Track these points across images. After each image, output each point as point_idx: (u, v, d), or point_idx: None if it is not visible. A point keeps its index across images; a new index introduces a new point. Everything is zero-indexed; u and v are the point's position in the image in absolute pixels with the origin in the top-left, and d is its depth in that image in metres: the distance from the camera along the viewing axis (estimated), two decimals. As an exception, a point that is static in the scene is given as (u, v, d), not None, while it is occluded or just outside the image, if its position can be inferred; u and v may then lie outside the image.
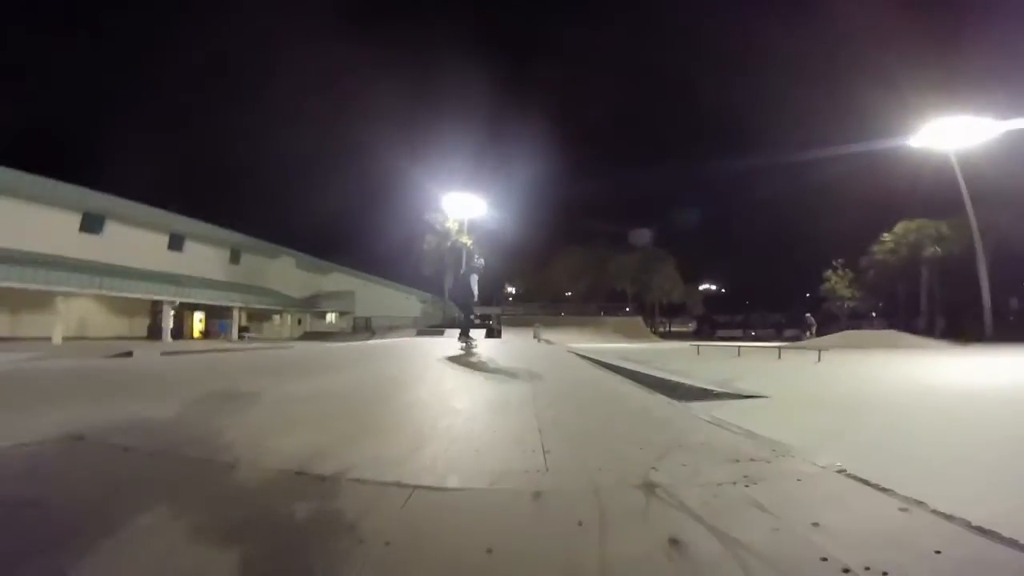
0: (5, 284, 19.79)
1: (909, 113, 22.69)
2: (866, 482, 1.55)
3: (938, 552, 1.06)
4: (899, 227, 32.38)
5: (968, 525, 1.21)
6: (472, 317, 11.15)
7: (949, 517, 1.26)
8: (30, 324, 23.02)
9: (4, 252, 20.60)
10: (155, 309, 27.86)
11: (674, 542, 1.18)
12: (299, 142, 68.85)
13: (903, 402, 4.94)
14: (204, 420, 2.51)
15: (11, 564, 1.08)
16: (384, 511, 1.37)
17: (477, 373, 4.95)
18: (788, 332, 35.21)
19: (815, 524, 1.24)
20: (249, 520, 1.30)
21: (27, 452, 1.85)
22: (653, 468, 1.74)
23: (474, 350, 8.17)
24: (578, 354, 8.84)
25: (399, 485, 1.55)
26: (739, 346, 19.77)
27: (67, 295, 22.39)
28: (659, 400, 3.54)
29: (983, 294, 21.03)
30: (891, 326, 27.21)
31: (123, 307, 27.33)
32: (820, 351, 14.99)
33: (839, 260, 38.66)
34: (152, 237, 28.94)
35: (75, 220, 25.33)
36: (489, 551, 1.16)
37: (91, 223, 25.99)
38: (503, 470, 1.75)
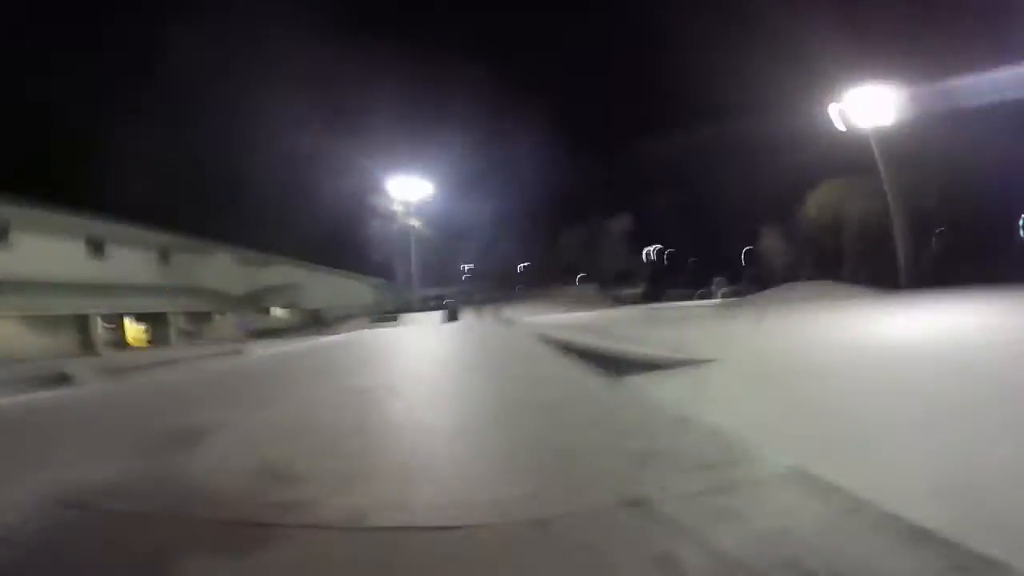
0: None
1: (831, 80, 24.55)
2: (827, 483, 1.78)
3: (882, 553, 1.32)
4: (823, 187, 35.31)
5: (911, 526, 1.43)
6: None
7: (896, 517, 1.49)
8: None
9: None
10: (82, 322, 25.63)
11: (660, 560, 1.40)
12: (227, 125, 63.58)
13: (840, 364, 5.42)
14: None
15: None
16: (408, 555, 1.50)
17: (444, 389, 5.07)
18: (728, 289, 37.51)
19: (783, 531, 1.49)
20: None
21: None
22: (635, 480, 1.98)
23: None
24: (542, 338, 9.12)
25: (412, 528, 1.69)
26: (687, 305, 21.16)
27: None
28: (631, 399, 3.83)
29: (898, 248, 23.50)
30: (822, 278, 29.81)
31: (48, 324, 24.95)
32: (762, 308, 16.28)
33: (771, 226, 41.55)
34: (67, 245, 26.30)
35: None
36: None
37: None
38: (495, 499, 1.93)
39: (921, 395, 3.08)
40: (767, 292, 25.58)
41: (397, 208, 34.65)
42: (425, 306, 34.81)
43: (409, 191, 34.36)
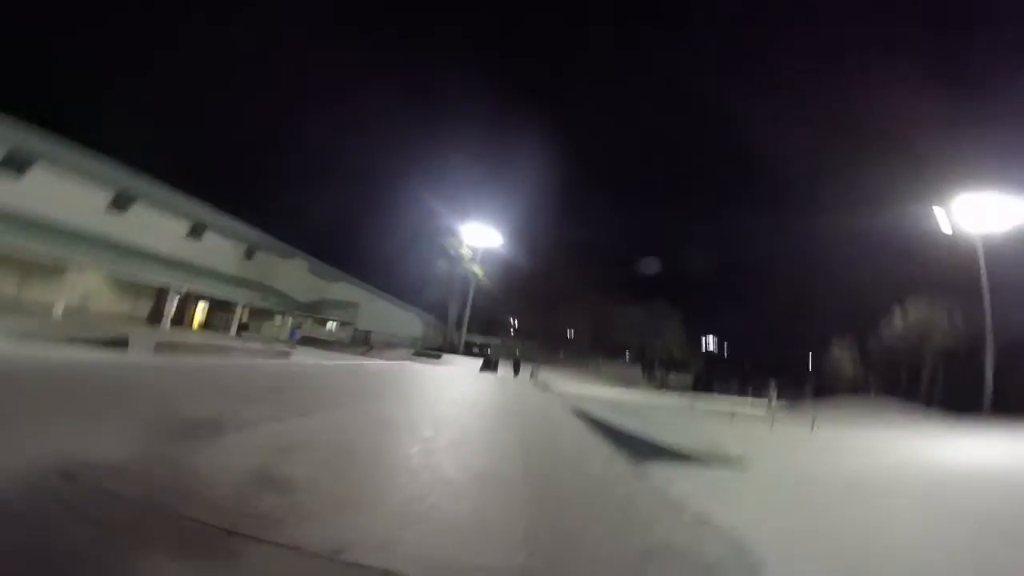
0: (25, 248, 20.09)
1: (935, 186, 22.97)
2: None
3: None
4: (911, 310, 32.56)
5: None
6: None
7: None
8: (36, 289, 23.30)
9: (29, 218, 21.09)
10: (160, 294, 28.04)
11: None
12: (325, 149, 70.74)
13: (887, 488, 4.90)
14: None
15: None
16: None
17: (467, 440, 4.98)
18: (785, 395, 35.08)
19: None
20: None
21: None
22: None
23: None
24: (575, 410, 8.83)
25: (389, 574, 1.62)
26: (732, 410, 19.75)
27: (79, 268, 22.67)
28: (647, 489, 3.58)
29: (986, 369, 20.84)
30: (893, 396, 27.02)
31: (129, 286, 27.56)
32: (814, 420, 15.06)
33: (845, 335, 38.60)
34: (174, 223, 29.44)
35: (106, 197, 25.85)
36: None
37: (121, 202, 26.52)
38: (489, 566, 1.82)
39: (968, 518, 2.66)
40: (826, 403, 23.42)
41: (464, 252, 35.97)
42: (468, 351, 35.10)
43: (479, 238, 35.70)
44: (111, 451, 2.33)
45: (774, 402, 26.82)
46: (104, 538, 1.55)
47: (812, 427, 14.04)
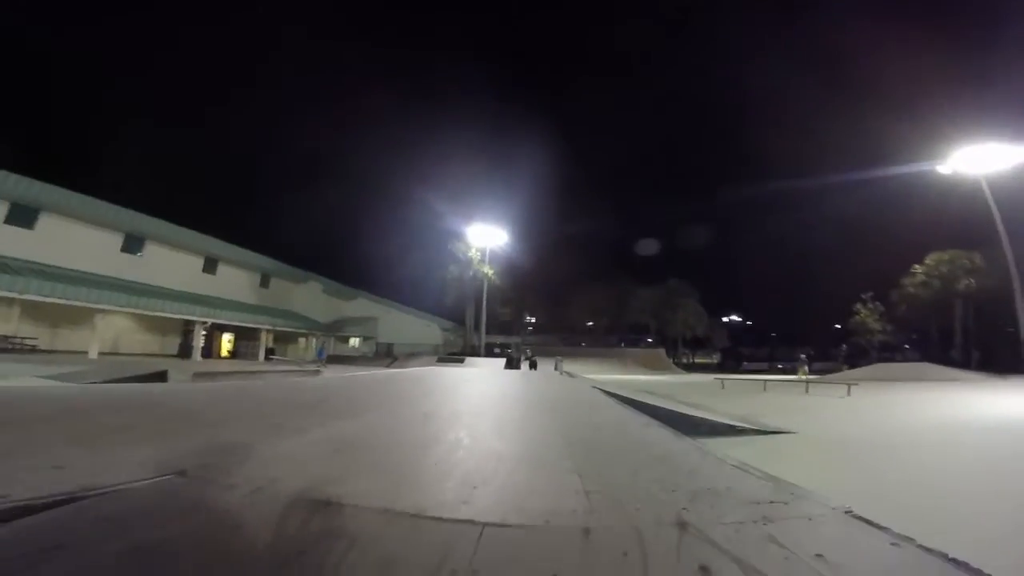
0: (50, 300, 20.99)
1: (938, 140, 22.65)
2: (867, 521, 1.84)
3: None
4: (930, 259, 31.74)
5: (945, 557, 1.49)
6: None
7: (929, 550, 1.55)
8: (68, 338, 24.28)
9: (50, 269, 21.98)
10: (187, 328, 29.02)
11: (704, 569, 1.46)
12: (328, 171, 71.69)
13: (923, 440, 5.01)
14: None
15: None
16: (464, 549, 1.66)
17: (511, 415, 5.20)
18: (815, 366, 34.59)
19: (818, 555, 1.52)
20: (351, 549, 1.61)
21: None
22: (684, 509, 2.01)
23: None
24: (602, 390, 9.02)
25: (471, 522, 1.85)
26: (765, 380, 19.61)
27: (105, 312, 23.54)
28: (687, 446, 3.76)
29: (1021, 326, 20.41)
30: (924, 358, 26.58)
31: (156, 325, 28.56)
32: (850, 385, 14.91)
33: (868, 294, 37.92)
34: (188, 259, 30.46)
35: (117, 240, 26.88)
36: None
37: (132, 244, 27.53)
38: (554, 509, 2.04)
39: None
40: (859, 370, 23.13)
41: (472, 255, 36.24)
42: (489, 352, 35.47)
43: (485, 238, 35.92)
44: (205, 453, 2.61)
45: (807, 370, 26.55)
46: (220, 520, 1.80)
47: (848, 392, 13.97)
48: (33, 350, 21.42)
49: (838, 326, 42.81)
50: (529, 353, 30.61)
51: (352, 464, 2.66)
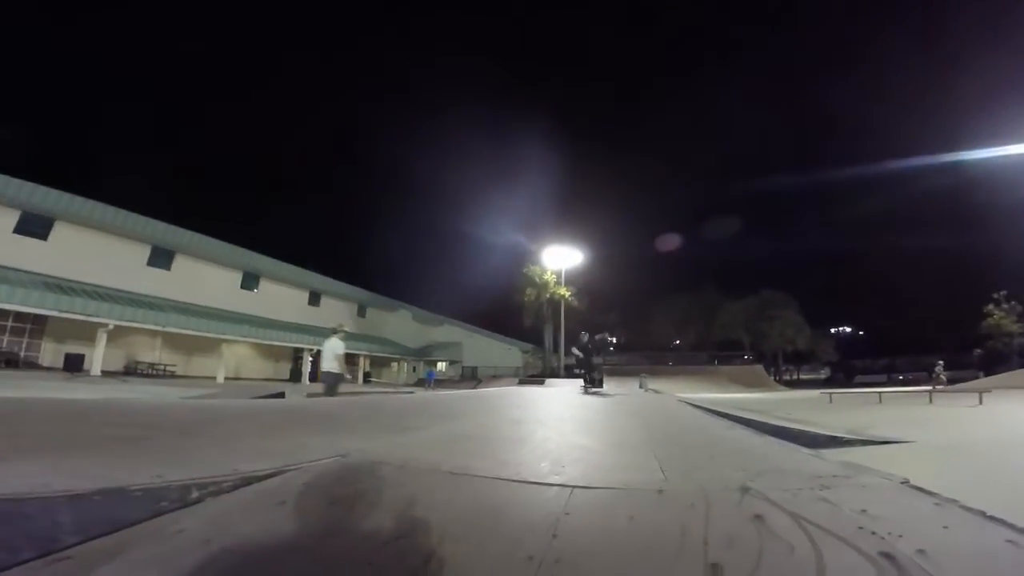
0: (186, 331, 24.95)
1: None
2: (921, 489, 2.01)
3: (946, 527, 1.56)
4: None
5: (984, 514, 1.66)
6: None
7: (969, 509, 1.72)
8: (199, 365, 28.33)
9: (184, 305, 26.11)
10: (296, 355, 32.58)
11: (758, 517, 1.80)
12: (415, 208, 77.22)
13: None
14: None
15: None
16: (559, 502, 2.14)
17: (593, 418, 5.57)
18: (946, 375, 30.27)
19: (863, 511, 1.77)
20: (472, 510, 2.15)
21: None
22: (750, 480, 2.32)
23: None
24: (688, 403, 8.98)
25: (563, 485, 2.33)
26: (880, 392, 17.66)
27: (230, 342, 27.33)
28: (767, 440, 3.91)
29: None
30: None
31: (271, 352, 32.38)
32: (981, 393, 13.09)
33: (1002, 292, 32.76)
34: (296, 293, 34.54)
35: (237, 278, 31.30)
36: (631, 518, 1.88)
37: (248, 281, 31.90)
38: (633, 480, 2.45)
39: None
40: (994, 378, 19.92)
41: (548, 277, 36.75)
42: (569, 373, 35.39)
43: (562, 260, 36.36)
44: (353, 444, 3.35)
45: (944, 378, 23.41)
46: (380, 483, 2.44)
47: (980, 400, 12.33)
48: (172, 376, 25.34)
49: (970, 331, 37.21)
50: (597, 374, 29.79)
51: (464, 450, 3.25)
